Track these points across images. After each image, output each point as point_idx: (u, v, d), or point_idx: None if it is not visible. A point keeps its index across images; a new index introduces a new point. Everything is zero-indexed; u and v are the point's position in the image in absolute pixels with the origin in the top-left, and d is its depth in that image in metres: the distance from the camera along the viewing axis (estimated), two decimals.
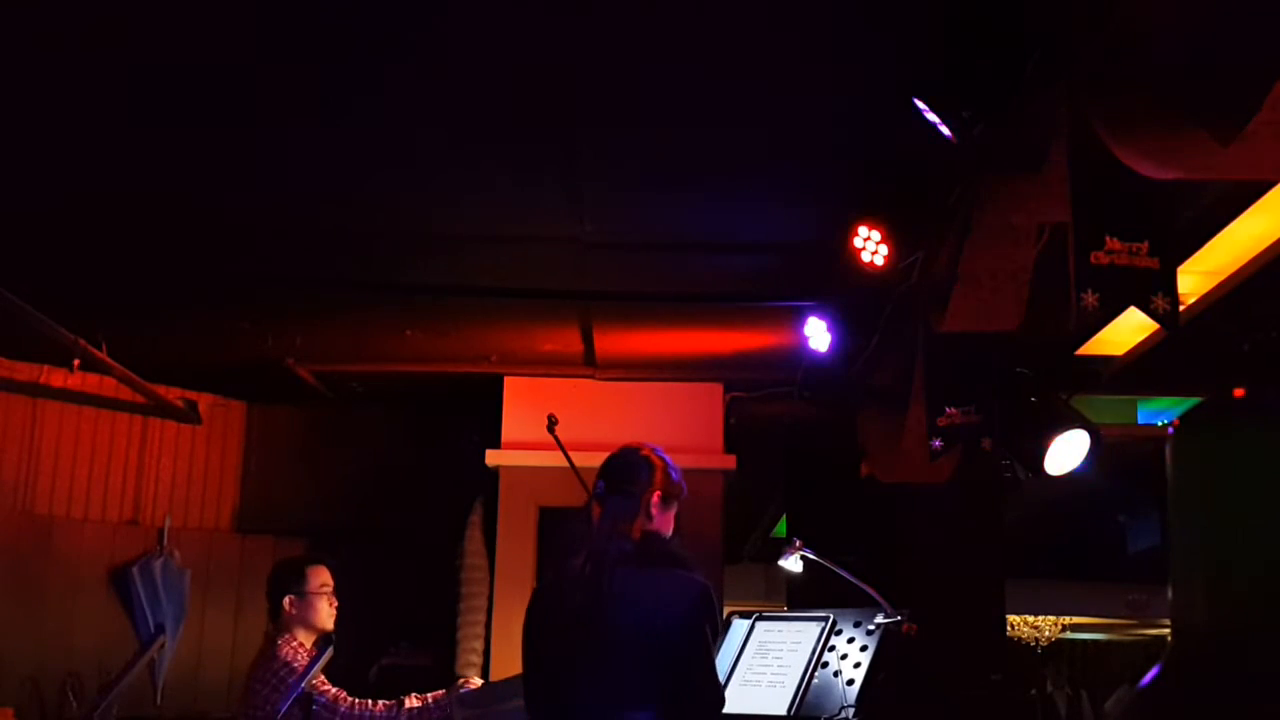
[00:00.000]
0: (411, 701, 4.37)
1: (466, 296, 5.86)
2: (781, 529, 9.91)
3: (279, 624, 4.41)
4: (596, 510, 3.43)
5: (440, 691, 4.41)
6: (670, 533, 3.49)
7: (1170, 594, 1.80)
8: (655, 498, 3.44)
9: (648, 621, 3.23)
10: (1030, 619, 18.30)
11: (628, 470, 3.49)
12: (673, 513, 3.51)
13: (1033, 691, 13.75)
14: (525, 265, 5.54)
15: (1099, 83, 2.78)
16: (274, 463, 7.84)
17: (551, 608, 3.40)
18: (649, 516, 3.42)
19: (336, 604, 4.48)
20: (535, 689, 3.40)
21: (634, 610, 3.23)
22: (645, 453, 3.54)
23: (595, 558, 3.31)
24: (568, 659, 3.29)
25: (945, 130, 3.40)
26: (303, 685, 4.04)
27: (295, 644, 4.34)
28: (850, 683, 4.04)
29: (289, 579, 4.44)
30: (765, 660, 4.35)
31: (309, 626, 4.40)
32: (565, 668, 3.30)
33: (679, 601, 3.26)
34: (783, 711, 4.11)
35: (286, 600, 4.38)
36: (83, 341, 6.04)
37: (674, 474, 3.53)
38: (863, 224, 4.45)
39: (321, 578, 4.47)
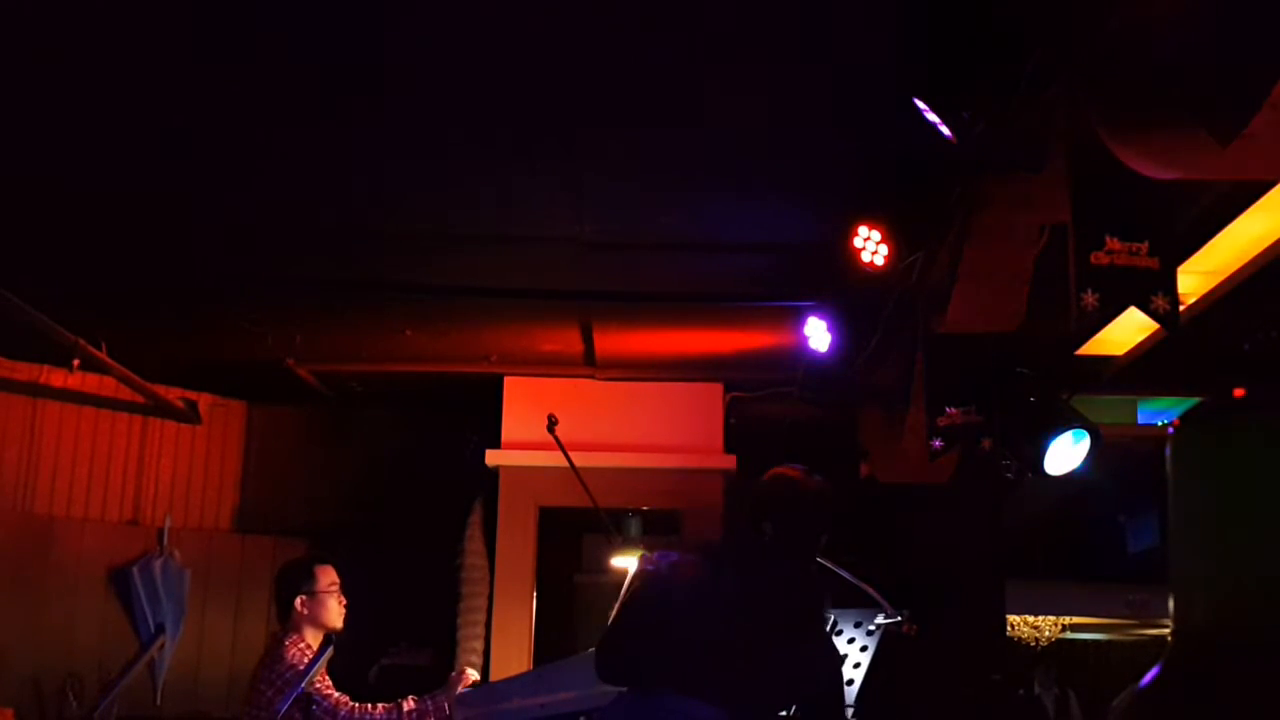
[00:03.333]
0: (409, 704, 4.37)
1: (466, 296, 5.86)
2: None
3: (288, 625, 4.40)
4: (780, 552, 3.43)
5: (437, 692, 4.42)
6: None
7: (1170, 594, 1.80)
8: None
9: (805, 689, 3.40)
10: (1030, 619, 18.27)
11: (816, 513, 3.49)
12: None
13: (1020, 692, 13.71)
14: (525, 265, 5.54)
15: (1099, 83, 2.78)
16: (274, 463, 7.84)
17: (728, 627, 3.35)
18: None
19: (345, 602, 4.48)
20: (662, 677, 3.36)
21: (800, 676, 3.39)
22: (822, 486, 3.54)
23: (785, 616, 3.36)
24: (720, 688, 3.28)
25: (945, 130, 3.40)
26: (303, 685, 4.04)
27: (302, 645, 4.33)
28: (850, 683, 4.04)
29: (299, 579, 4.44)
30: None
31: (319, 626, 4.40)
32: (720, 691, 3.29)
33: (825, 673, 3.44)
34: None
35: (298, 600, 4.38)
36: (83, 341, 6.03)
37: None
38: (863, 224, 4.45)
39: (330, 576, 4.47)
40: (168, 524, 7.41)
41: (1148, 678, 1.77)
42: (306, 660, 4.25)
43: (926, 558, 6.36)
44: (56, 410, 7.11)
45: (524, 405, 7.09)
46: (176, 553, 7.32)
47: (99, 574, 7.15)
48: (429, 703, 4.37)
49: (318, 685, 4.21)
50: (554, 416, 5.02)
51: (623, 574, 4.89)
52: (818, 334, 5.35)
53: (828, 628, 3.44)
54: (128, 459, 7.42)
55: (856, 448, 5.71)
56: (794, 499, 3.44)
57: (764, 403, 7.14)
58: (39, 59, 3.76)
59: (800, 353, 5.64)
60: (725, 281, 5.74)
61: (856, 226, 4.46)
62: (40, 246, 5.34)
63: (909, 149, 3.81)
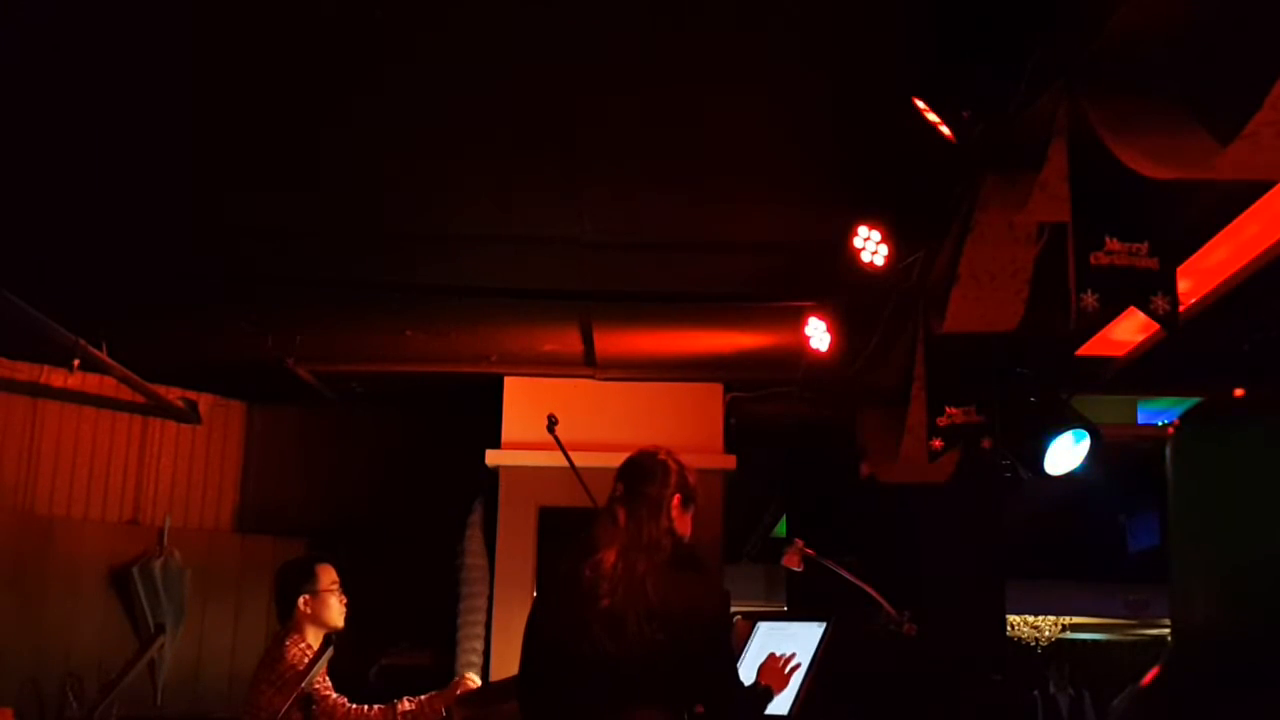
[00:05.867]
0: (404, 705, 4.37)
1: (466, 296, 5.86)
2: (781, 529, 9.91)
3: (290, 624, 4.40)
4: (622, 512, 3.48)
5: (433, 693, 4.42)
6: (689, 535, 3.56)
7: (1170, 594, 1.80)
8: (676, 501, 3.52)
9: (677, 623, 3.32)
10: (1030, 619, 18.33)
11: (648, 473, 3.55)
12: (690, 515, 3.59)
13: (1034, 692, 13.75)
14: (525, 265, 5.54)
15: (1099, 83, 2.78)
16: (274, 463, 7.85)
17: (572, 603, 3.42)
18: (671, 519, 3.49)
19: (346, 600, 4.49)
20: (541, 680, 3.44)
21: (666, 611, 3.32)
22: (663, 456, 3.60)
23: (629, 559, 3.38)
24: (590, 655, 3.33)
25: (945, 130, 3.40)
26: (303, 685, 4.03)
27: (303, 645, 4.33)
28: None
29: (300, 578, 4.44)
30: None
31: (321, 624, 4.40)
32: (584, 663, 3.33)
33: (707, 607, 3.41)
34: (784, 712, 4.10)
35: (301, 600, 4.38)
36: (83, 341, 6.04)
37: (690, 477, 3.59)
38: (863, 224, 4.45)
39: (331, 575, 4.48)
40: (168, 524, 7.41)
41: (1148, 678, 1.77)
42: (307, 660, 4.25)
43: (926, 558, 6.37)
44: (56, 410, 7.11)
45: (524, 405, 7.09)
46: (176, 553, 7.32)
47: (99, 574, 7.14)
48: (425, 704, 4.37)
49: (317, 686, 4.21)
50: (554, 416, 5.01)
51: None
52: (818, 334, 5.35)
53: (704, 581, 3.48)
54: (128, 459, 7.42)
55: (856, 448, 5.71)
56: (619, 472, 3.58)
57: (764, 403, 7.15)
58: (39, 59, 3.76)
59: (800, 353, 5.65)
60: (725, 281, 5.73)
61: (856, 226, 4.47)
62: (40, 246, 5.34)
63: (909, 149, 3.81)
